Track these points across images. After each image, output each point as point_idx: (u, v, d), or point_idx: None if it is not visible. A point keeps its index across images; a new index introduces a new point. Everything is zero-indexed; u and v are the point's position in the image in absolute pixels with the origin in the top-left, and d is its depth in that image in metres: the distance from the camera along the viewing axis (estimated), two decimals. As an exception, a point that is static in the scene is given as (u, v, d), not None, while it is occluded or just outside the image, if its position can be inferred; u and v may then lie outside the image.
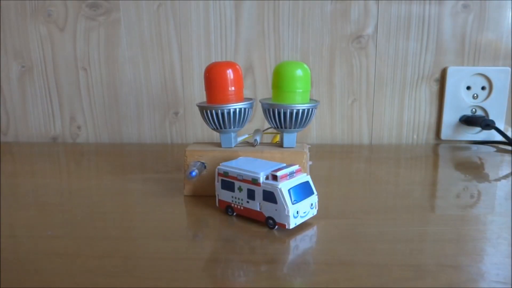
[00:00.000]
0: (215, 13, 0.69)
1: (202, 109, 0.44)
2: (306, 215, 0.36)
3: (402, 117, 0.72)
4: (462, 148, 0.68)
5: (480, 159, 0.61)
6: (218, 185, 0.40)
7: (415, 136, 0.72)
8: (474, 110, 0.70)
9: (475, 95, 0.69)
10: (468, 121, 0.69)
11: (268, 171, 0.36)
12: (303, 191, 0.36)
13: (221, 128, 0.44)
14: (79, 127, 0.74)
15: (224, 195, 0.39)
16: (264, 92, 0.71)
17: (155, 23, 0.69)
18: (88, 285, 0.28)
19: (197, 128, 0.73)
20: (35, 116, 0.74)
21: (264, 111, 0.44)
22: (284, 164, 0.38)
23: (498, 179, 0.51)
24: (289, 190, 0.35)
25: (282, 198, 0.35)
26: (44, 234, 0.36)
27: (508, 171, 0.54)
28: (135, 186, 0.49)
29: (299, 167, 0.38)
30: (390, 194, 0.46)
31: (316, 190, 0.38)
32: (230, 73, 0.43)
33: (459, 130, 0.71)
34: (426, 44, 0.68)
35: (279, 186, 0.35)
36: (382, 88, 0.71)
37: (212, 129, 0.45)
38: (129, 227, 0.37)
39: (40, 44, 0.71)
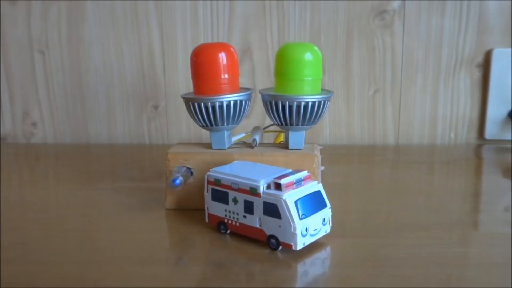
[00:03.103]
0: (204, -18, 0.69)
1: (188, 101, 0.43)
2: (317, 233, 0.36)
3: (436, 112, 0.72)
4: None
5: (533, 163, 0.61)
6: (208, 196, 0.40)
7: (452, 135, 0.72)
8: (525, 102, 0.70)
9: (527, 84, 0.69)
10: (518, 116, 0.69)
11: (270, 179, 0.36)
12: (313, 203, 0.36)
13: (211, 125, 0.44)
14: (34, 124, 0.74)
15: (215, 209, 0.39)
16: (265, 80, 0.71)
17: (129, -5, 0.69)
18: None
19: (182, 125, 0.73)
20: (-20, 110, 0.74)
21: (265, 104, 0.44)
22: (290, 170, 0.38)
23: (556, 188, 0.51)
24: (296, 202, 0.35)
25: (287, 212, 0.34)
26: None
27: None
28: (104, 198, 0.49)
29: (308, 174, 0.38)
30: (422, 207, 0.46)
31: (330, 202, 0.38)
32: (222, 57, 0.43)
33: (508, 127, 0.71)
34: (465, 20, 0.68)
35: (284, 197, 0.35)
36: (412, 75, 0.70)
37: (200, 126, 0.45)
38: (97, 249, 0.37)
39: (-14, 21, 0.71)
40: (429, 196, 0.49)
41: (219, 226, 0.39)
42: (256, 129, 0.48)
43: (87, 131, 0.74)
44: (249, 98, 0.44)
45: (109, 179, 0.55)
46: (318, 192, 0.37)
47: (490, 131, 0.71)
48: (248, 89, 0.45)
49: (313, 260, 0.35)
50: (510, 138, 0.71)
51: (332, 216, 0.38)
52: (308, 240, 0.36)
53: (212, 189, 0.39)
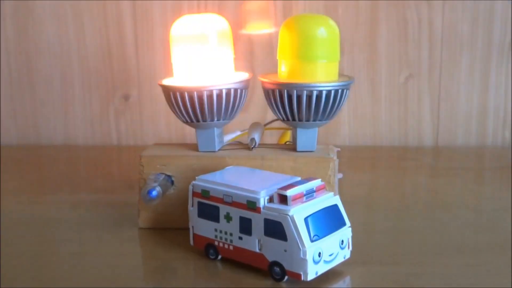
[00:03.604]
0: None
1: (168, 90, 0.43)
2: (334, 258, 0.36)
3: (486, 104, 0.72)
4: None
5: None
6: (193, 211, 0.40)
7: (506, 134, 0.72)
8: None
9: None
10: None
11: (273, 189, 0.36)
12: (328, 220, 0.36)
13: (198, 120, 0.44)
14: (-29, 120, 0.74)
15: (202, 228, 0.39)
16: (266, 63, 0.71)
17: (92, -47, 0.69)
18: None
19: (160, 121, 0.73)
20: None
21: (267, 93, 0.44)
22: (299, 178, 0.38)
23: None
24: (306, 220, 0.35)
25: (295, 232, 0.34)
26: None
27: None
28: (60, 214, 0.49)
29: (322, 183, 0.38)
30: (467, 226, 0.46)
31: (350, 220, 0.38)
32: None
33: None
34: (523, -13, 0.69)
35: (291, 213, 0.35)
36: (454, 57, 0.71)
37: (184, 122, 0.45)
38: (51, 279, 0.37)
39: None
40: (476, 211, 0.49)
41: (208, 250, 0.39)
42: (255, 126, 0.48)
43: (37, 129, 0.74)
44: (246, 86, 0.44)
45: (67, 190, 0.55)
46: (335, 206, 0.37)
47: (555, 128, 0.71)
48: (244, 75, 0.45)
49: (328, 294, 0.35)
50: None
51: (352, 237, 0.38)
52: (322, 268, 0.36)
53: (199, 203, 0.39)
